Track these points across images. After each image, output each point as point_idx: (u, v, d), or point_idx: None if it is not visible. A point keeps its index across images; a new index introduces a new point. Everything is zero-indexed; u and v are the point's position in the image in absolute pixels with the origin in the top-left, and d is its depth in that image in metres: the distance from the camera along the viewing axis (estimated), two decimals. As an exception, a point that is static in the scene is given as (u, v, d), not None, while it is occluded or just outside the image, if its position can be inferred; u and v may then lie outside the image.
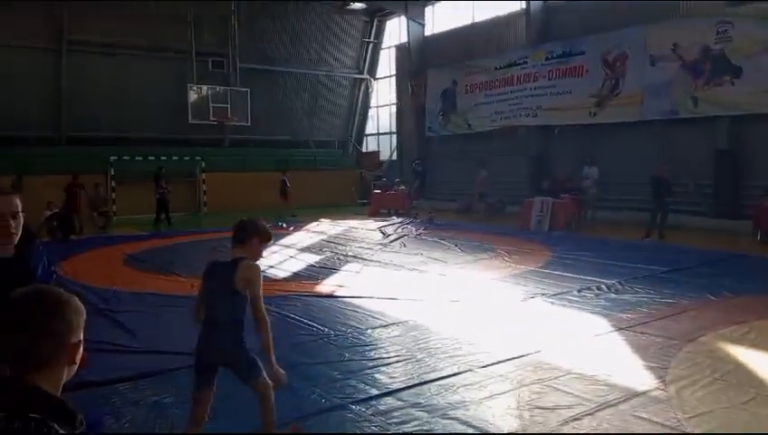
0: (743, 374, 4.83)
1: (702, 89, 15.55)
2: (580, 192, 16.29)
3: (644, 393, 4.46)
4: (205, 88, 23.30)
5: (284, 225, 16.43)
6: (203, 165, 22.96)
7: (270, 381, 3.42)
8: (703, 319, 6.46)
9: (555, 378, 4.77)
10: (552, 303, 7.43)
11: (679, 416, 4.06)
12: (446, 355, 5.47)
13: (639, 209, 14.63)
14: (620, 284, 8.26)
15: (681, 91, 15.94)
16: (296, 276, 9.60)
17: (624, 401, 4.33)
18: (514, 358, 5.26)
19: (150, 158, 21.10)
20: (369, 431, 3.99)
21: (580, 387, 4.59)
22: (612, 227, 15.09)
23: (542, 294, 7.82)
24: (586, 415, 4.11)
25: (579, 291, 7.91)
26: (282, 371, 3.49)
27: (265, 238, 3.54)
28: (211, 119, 23.15)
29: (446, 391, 4.62)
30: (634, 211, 15.37)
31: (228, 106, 23.54)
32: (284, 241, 13.61)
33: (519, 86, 20.52)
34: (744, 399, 4.31)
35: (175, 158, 21.98)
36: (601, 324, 6.37)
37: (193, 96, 22.93)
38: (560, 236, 13.70)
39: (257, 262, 3.50)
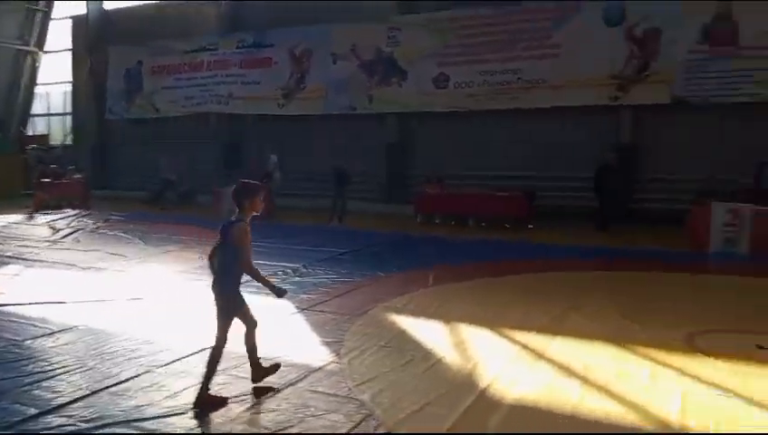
0: (403, 340, 5.48)
1: (376, 88, 17.28)
2: (269, 180, 16.63)
3: (321, 368, 4.74)
4: None
5: None
6: None
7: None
8: (374, 293, 7.17)
9: (238, 366, 4.75)
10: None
11: (350, 384, 4.41)
12: (124, 359, 5.04)
13: (324, 197, 15.60)
14: (305, 267, 8.70)
15: (358, 89, 17.48)
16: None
17: (303, 378, 4.54)
18: (197, 352, 5.09)
19: None
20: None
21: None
22: (299, 213, 15.80)
23: (231, 283, 7.77)
24: (268, 398, 4.19)
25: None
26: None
27: None
28: None
29: (120, 397, 4.25)
30: (319, 198, 16.32)
31: None
32: None
33: (209, 72, 20.13)
34: (403, 361, 4.88)
35: None
36: (286, 307, 6.58)
37: None
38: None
39: None
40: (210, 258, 4.44)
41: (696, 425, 3.79)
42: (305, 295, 7.09)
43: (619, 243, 11.65)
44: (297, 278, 8.07)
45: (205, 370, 4.20)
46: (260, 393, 4.31)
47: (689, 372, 4.75)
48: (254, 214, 4.31)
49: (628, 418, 3.91)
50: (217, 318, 4.28)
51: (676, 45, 13.64)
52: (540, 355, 5.11)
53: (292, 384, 4.43)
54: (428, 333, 5.69)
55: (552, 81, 14.80)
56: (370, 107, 17.43)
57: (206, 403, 4.11)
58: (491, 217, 14.06)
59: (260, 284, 4.35)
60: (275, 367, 4.53)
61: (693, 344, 5.43)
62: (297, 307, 6.57)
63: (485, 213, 14.15)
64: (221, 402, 4.15)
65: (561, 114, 14.94)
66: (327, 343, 5.33)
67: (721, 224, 10.66)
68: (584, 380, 4.55)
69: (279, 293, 4.42)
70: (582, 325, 6.02)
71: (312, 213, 15.38)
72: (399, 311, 6.47)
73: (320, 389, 4.36)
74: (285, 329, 5.85)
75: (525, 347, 5.31)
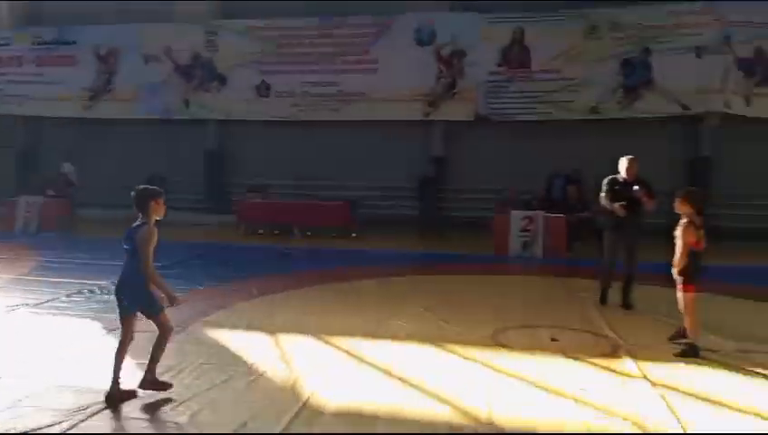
0: (224, 356, 5.31)
1: (193, 92, 16.60)
2: (68, 189, 15.07)
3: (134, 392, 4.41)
4: None
5: None
6: None
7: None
8: (193, 308, 6.82)
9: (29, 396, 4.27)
10: (36, 313, 6.66)
11: (166, 407, 4.17)
12: None
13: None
14: (114, 283, 8.02)
15: (174, 93, 16.66)
16: None
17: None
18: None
19: None
20: None
21: (63, 399, 4.23)
22: (108, 225, 14.56)
23: (26, 305, 6.95)
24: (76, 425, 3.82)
25: (68, 296, 7.36)
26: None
27: None
28: None
29: None
30: (128, 210, 15.16)
31: None
32: None
33: (1, 69, 17.91)
34: (224, 378, 4.72)
35: None
36: (93, 329, 6.04)
37: None
38: (50, 239, 12.55)
39: None
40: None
41: (500, 417, 4.13)
42: (114, 315, 6.54)
43: (434, 248, 12.40)
44: (106, 296, 7.42)
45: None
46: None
47: (495, 365, 5.19)
48: (157, 218, 4.39)
49: (443, 414, 4.16)
50: (148, 318, 4.41)
51: (477, 67, 14.91)
52: (362, 360, 5.25)
53: (100, 411, 4.08)
54: (251, 346, 5.57)
55: (370, 95, 15.36)
56: (188, 112, 16.71)
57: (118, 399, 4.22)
58: (315, 226, 14.20)
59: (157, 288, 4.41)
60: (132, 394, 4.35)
61: (498, 340, 5.94)
62: (106, 328, 6.02)
63: (310, 222, 14.24)
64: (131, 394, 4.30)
65: (380, 126, 15.55)
66: (142, 365, 4.97)
67: (518, 230, 11.84)
68: (404, 381, 4.76)
69: (172, 301, 4.43)
70: (402, 328, 6.30)
71: (125, 224, 14.28)
72: (221, 325, 6.26)
73: (132, 415, 4.07)
74: (95, 352, 5.35)
75: (348, 354, 5.43)
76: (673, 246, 5.59)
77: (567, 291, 8.43)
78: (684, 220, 5.53)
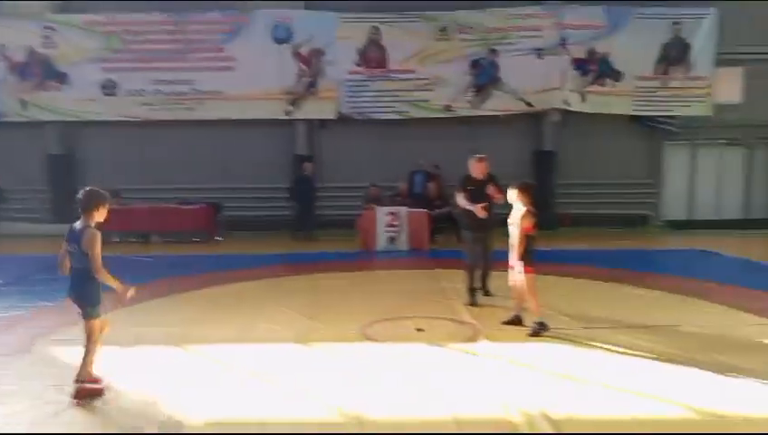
0: (67, 374, 4.91)
1: (31, 92, 15.20)
2: None
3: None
4: None
5: None
6: None
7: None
8: (39, 326, 6.33)
9: None
10: None
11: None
12: None
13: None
14: None
15: (10, 93, 15.17)
16: None
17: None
18: None
19: None
20: None
21: None
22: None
23: None
24: None
25: None
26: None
27: None
28: None
29: None
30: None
31: None
32: None
33: None
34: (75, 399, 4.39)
35: None
36: None
37: None
38: None
39: None
40: (61, 265, 4.58)
41: (368, 411, 4.23)
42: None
43: (303, 249, 12.37)
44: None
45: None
46: None
47: (363, 359, 5.30)
48: (99, 221, 4.55)
49: (313, 413, 4.17)
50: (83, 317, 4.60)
51: (336, 66, 15.05)
52: (228, 367, 5.12)
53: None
54: (106, 362, 5.21)
55: (228, 93, 14.96)
56: (26, 114, 15.26)
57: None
58: (176, 231, 13.58)
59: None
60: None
61: (365, 334, 6.07)
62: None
63: (170, 228, 13.60)
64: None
65: (242, 126, 15.20)
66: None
67: (384, 225, 12.14)
68: (273, 384, 4.72)
69: (122, 298, 4.67)
70: (270, 331, 6.24)
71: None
72: (72, 343, 5.77)
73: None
74: None
75: (213, 362, 5.27)
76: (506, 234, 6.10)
77: (431, 282, 8.78)
78: (522, 209, 5.99)
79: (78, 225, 4.53)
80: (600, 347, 5.56)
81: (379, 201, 13.15)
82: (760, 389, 4.53)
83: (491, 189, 7.25)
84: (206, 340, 5.86)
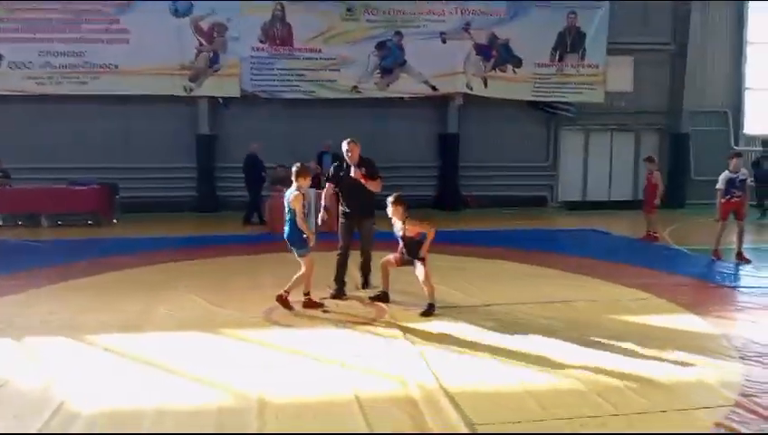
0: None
1: None
2: None
3: None
4: None
5: None
6: None
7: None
8: None
9: None
10: None
11: None
12: None
13: None
14: None
15: None
16: None
17: None
18: None
19: None
20: None
21: None
22: None
23: None
24: None
25: None
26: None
27: None
28: None
29: None
30: None
31: None
32: None
33: None
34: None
35: None
36: None
37: None
38: None
39: None
40: None
41: (269, 394, 4.19)
42: None
43: (207, 231, 12.02)
44: None
45: None
46: None
47: (267, 343, 5.24)
48: None
49: (213, 401, 4.08)
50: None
51: (239, 42, 14.60)
52: (123, 355, 4.91)
53: None
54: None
55: (123, 67, 14.16)
56: None
57: None
58: (68, 213, 12.80)
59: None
60: None
61: (270, 318, 6.00)
62: None
63: (61, 209, 12.79)
64: None
65: (141, 103, 14.46)
66: None
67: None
68: (171, 372, 4.56)
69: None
70: (168, 317, 6.03)
71: None
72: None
73: None
74: None
75: (106, 350, 5.03)
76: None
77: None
78: (399, 223, 6.22)
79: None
80: (498, 324, 5.78)
81: (284, 182, 12.92)
82: (642, 360, 4.87)
83: (357, 173, 6.80)
84: (97, 329, 5.58)
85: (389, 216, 6.28)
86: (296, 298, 6.34)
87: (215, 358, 4.88)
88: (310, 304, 6.36)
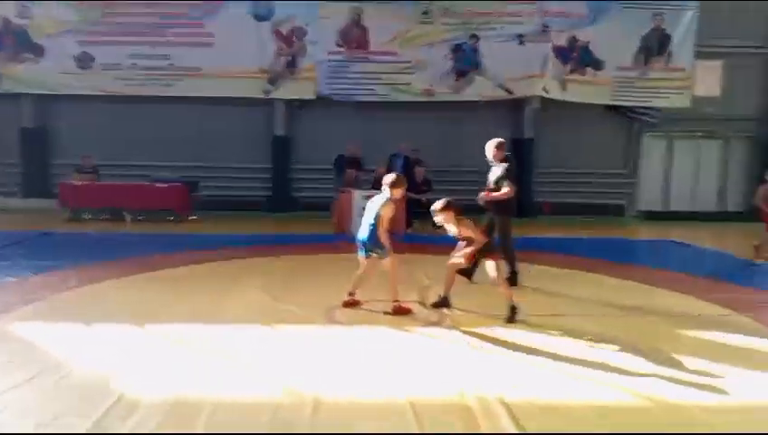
0: (31, 352, 4.83)
1: (5, 64, 14.86)
2: None
3: None
4: None
5: None
6: None
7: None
8: (1, 303, 6.19)
9: None
10: None
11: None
12: None
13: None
14: None
15: (-17, 66, 14.85)
16: None
17: None
18: None
19: None
20: None
21: None
22: None
23: None
24: None
25: None
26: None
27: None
28: None
29: None
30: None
31: None
32: None
33: None
34: (28, 376, 4.30)
35: None
36: None
37: None
38: None
39: None
40: None
41: (325, 395, 4.21)
42: None
43: (278, 230, 12.28)
44: None
45: None
46: None
47: (327, 342, 5.28)
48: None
49: (270, 396, 4.14)
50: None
51: (317, 46, 14.88)
52: (188, 348, 5.06)
53: None
54: (63, 340, 5.13)
55: (206, 70, 14.73)
56: (0, 86, 14.94)
57: None
58: (150, 209, 13.42)
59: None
60: None
61: (331, 317, 6.05)
62: None
63: (143, 205, 13.44)
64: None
65: (221, 104, 15.01)
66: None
67: (361, 209, 12.01)
68: (232, 366, 4.66)
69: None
70: (233, 311, 6.19)
71: None
72: (30, 319, 5.70)
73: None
74: None
75: (172, 341, 5.20)
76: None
77: (402, 266, 8.71)
78: (454, 229, 6.11)
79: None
80: (567, 335, 5.57)
81: (356, 184, 13.05)
82: (714, 379, 4.58)
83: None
84: (165, 320, 5.79)
85: (440, 223, 6.14)
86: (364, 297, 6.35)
87: (274, 354, 4.96)
88: (400, 310, 6.21)
